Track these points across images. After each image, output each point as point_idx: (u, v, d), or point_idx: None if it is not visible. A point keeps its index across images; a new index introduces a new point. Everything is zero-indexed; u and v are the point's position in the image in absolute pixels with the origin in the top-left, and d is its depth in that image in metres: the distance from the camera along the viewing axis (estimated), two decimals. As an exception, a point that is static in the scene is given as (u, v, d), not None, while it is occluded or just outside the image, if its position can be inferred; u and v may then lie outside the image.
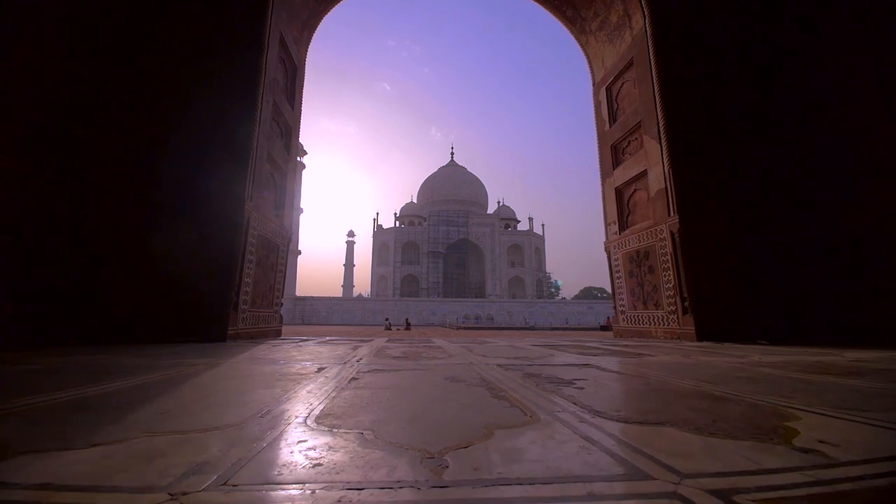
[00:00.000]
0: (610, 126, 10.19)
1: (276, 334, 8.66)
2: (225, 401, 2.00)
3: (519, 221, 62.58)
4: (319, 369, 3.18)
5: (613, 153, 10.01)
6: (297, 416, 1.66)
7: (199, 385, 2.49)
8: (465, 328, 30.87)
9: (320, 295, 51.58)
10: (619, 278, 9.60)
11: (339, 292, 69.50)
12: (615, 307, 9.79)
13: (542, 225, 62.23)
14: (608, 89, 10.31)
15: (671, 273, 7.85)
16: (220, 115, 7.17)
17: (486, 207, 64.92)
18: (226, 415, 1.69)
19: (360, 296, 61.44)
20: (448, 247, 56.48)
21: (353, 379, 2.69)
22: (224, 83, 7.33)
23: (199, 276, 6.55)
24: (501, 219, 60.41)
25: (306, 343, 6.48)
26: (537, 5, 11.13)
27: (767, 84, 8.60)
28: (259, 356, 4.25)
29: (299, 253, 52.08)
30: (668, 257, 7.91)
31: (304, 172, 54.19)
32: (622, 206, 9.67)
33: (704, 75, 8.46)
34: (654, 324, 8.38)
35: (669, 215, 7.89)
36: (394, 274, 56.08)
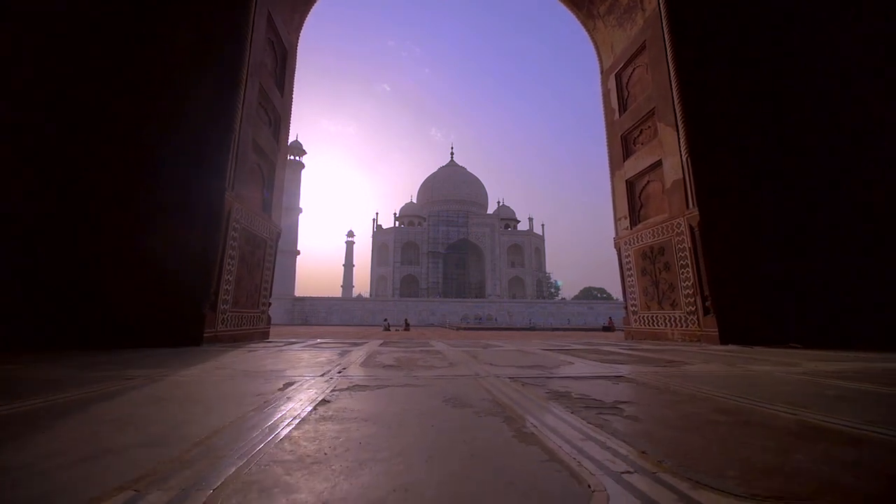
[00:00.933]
0: (620, 115, 9.51)
1: (263, 336, 7.96)
2: (86, 454, 1.31)
3: (519, 221, 61.80)
4: (286, 385, 2.49)
5: (624, 144, 9.32)
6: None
7: (87, 420, 1.79)
8: (465, 329, 30.16)
9: (320, 295, 50.85)
10: (630, 276, 8.91)
11: (338, 293, 68.81)
12: (626, 307, 9.10)
13: (542, 225, 61.45)
14: (618, 76, 9.63)
15: (690, 270, 7.16)
16: (197, 88, 6.48)
17: (485, 207, 64.13)
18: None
19: (359, 296, 60.70)
20: (448, 247, 55.73)
21: (324, 403, 1.99)
22: (204, 56, 6.64)
23: (172, 274, 5.85)
24: (501, 219, 59.64)
25: (291, 347, 5.79)
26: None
27: (788, 65, 7.91)
28: (225, 364, 3.56)
29: (298, 253, 51.37)
30: (687, 253, 7.22)
31: (303, 172, 53.53)
32: (634, 200, 8.99)
33: (724, 56, 7.77)
34: (671, 325, 7.68)
35: (688, 208, 7.20)
36: (393, 274, 55.31)
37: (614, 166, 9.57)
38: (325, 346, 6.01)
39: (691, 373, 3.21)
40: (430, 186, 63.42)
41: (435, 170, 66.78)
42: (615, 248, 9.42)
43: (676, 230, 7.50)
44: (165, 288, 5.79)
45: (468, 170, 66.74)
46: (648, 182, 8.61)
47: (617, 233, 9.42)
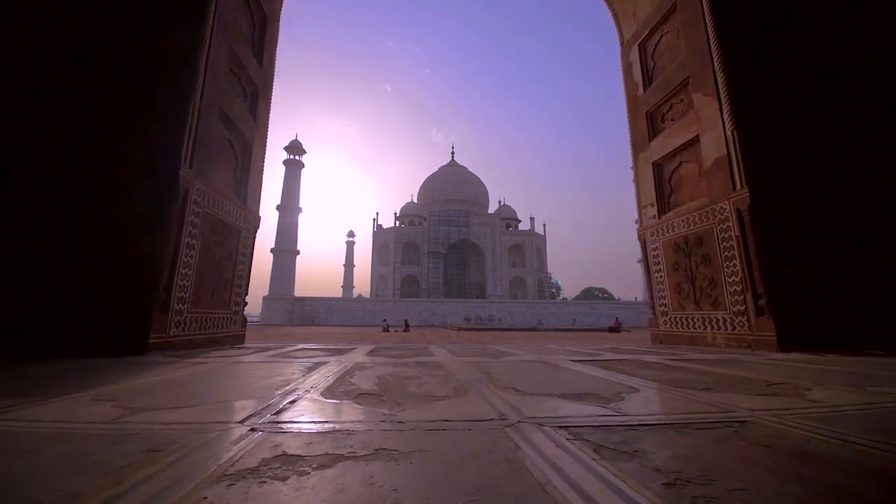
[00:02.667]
0: (644, 90, 8.29)
1: (236, 340, 6.74)
2: None
3: (520, 221, 60.49)
4: (148, 451, 1.27)
5: (650, 122, 8.11)
6: None
7: None
8: (466, 329, 28.95)
9: (320, 295, 49.63)
10: (658, 272, 7.68)
11: (339, 293, 67.60)
12: (653, 307, 7.86)
13: (544, 225, 60.19)
14: (641, 47, 8.42)
15: (737, 263, 5.93)
16: (142, 40, 5.29)
17: (486, 207, 62.82)
18: None
19: (359, 296, 59.44)
20: (448, 247, 54.47)
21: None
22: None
23: (110, 266, 4.64)
24: (502, 218, 58.35)
25: (252, 357, 4.56)
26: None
27: (847, 29, 6.70)
28: (118, 392, 2.34)
29: (298, 253, 50.16)
30: (734, 243, 6.00)
31: (303, 172, 52.33)
32: (662, 185, 7.76)
33: (770, 17, 6.56)
34: (712, 328, 6.45)
35: (734, 189, 5.98)
36: (394, 274, 54.06)
37: (638, 148, 8.35)
38: (298, 355, 4.80)
39: (828, 402, 2.00)
40: (431, 186, 62.23)
41: (435, 170, 65.62)
42: (639, 240, 8.19)
43: (719, 216, 6.28)
44: (102, 284, 4.57)
45: (469, 169, 65.56)
46: (681, 163, 7.38)
47: (641, 223, 8.19)
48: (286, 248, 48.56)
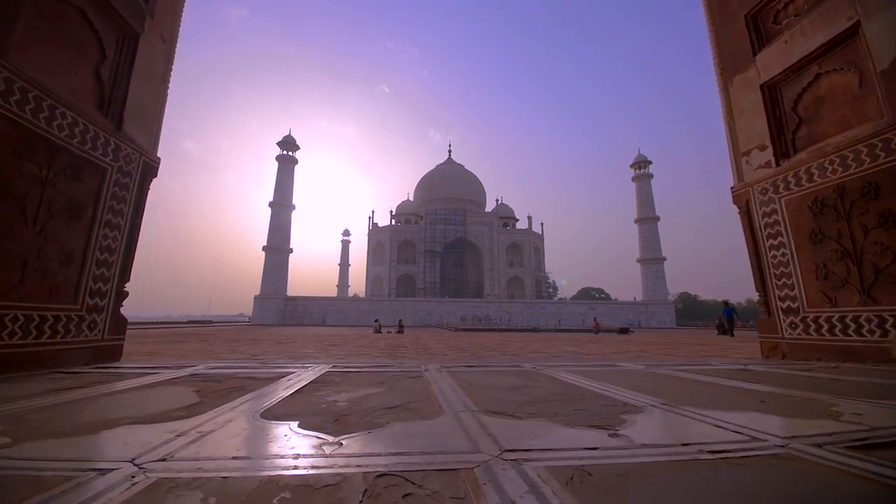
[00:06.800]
0: (741, -16, 5.48)
1: (98, 356, 3.82)
2: None
3: (517, 220, 57.54)
4: None
5: (753, 26, 5.30)
6: None
7: None
8: (463, 330, 26.08)
9: (315, 295, 46.50)
10: (778, 248, 4.85)
11: (334, 293, 64.41)
12: (765, 303, 5.01)
13: (542, 224, 57.37)
14: (733, -74, 5.62)
15: None
16: None
17: (484, 206, 59.82)
18: None
19: (354, 296, 56.27)
20: (445, 246, 51.49)
21: None
22: None
23: None
24: (500, 217, 55.43)
25: (113, 387, 1.65)
26: None
27: None
28: None
29: (291, 251, 46.97)
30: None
31: (300, 171, 49.17)
32: (781, 115, 4.95)
33: None
34: (911, 335, 3.63)
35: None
36: (389, 273, 50.97)
37: (732, 68, 5.52)
38: (217, 376, 1.91)
39: None
40: (428, 184, 59.35)
41: (432, 168, 62.76)
42: (736, 204, 5.36)
43: (928, 142, 3.46)
44: None
45: (466, 168, 62.80)
46: (819, 77, 4.57)
47: (740, 176, 5.36)
48: (278, 246, 45.39)
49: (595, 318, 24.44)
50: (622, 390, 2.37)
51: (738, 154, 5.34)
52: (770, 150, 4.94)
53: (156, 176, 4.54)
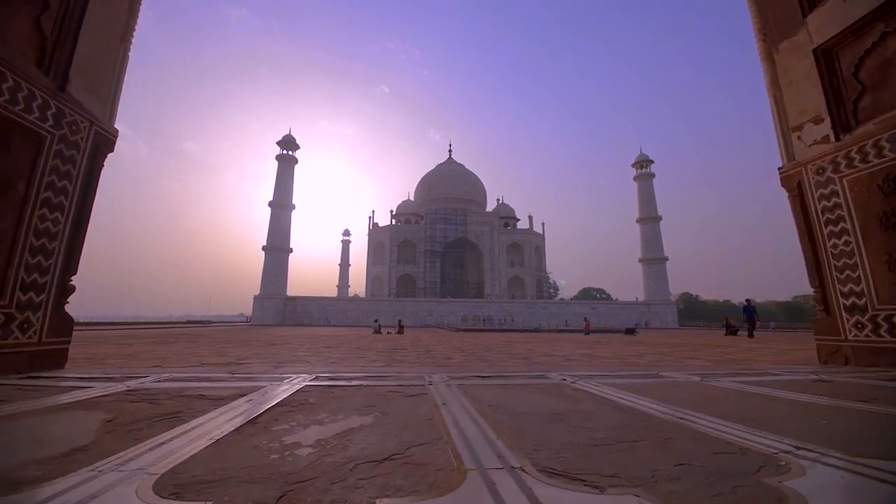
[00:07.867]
0: (787, -62, 4.77)
1: (31, 364, 3.11)
2: None
3: (518, 220, 56.71)
4: None
5: (803, -16, 4.59)
6: None
7: None
8: (464, 330, 25.37)
9: (315, 295, 45.74)
10: (837, 233, 4.14)
11: (334, 293, 63.59)
12: (823, 299, 4.30)
13: (543, 223, 56.56)
14: None
15: None
16: None
17: (484, 206, 58.97)
18: None
19: (354, 296, 55.45)
20: (446, 246, 50.69)
21: None
22: None
23: None
24: (500, 217, 54.61)
25: None
26: None
27: None
28: None
29: (290, 251, 46.20)
30: None
31: (300, 171, 48.40)
32: (838, 83, 4.24)
33: None
34: None
35: None
36: (390, 273, 50.17)
37: (778, 33, 4.82)
38: (141, 398, 1.22)
39: None
40: (428, 184, 58.63)
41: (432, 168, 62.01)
42: (785, 185, 4.65)
43: None
44: None
45: (466, 167, 62.07)
46: (885, 36, 3.86)
47: (789, 155, 4.65)
48: (278, 246, 44.64)
49: (586, 319, 23.49)
50: (712, 420, 1.67)
51: (787, 129, 4.63)
52: (827, 123, 4.23)
53: (112, 150, 3.83)
